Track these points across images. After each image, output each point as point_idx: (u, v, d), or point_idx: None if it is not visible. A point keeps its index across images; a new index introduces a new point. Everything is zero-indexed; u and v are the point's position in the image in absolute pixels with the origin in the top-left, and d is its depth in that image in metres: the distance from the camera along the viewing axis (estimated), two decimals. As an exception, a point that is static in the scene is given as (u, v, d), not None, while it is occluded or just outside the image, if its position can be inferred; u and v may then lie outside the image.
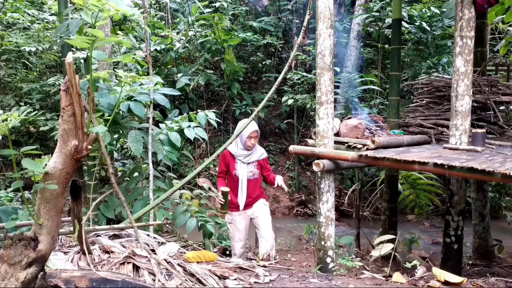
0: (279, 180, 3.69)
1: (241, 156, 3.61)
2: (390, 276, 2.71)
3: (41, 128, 7.23)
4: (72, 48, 4.33)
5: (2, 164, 7.47)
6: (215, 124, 4.05)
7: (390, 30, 6.80)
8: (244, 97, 9.42)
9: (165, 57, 8.70)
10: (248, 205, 3.68)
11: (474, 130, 3.71)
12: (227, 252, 3.71)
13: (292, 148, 4.01)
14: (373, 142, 3.56)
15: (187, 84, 8.27)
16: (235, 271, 2.44)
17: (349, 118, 4.24)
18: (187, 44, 9.22)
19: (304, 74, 8.52)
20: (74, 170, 1.56)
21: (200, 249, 3.22)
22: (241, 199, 3.65)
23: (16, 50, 8.09)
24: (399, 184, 5.48)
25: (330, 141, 3.63)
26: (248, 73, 10.10)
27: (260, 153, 3.72)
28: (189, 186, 4.82)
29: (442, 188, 5.69)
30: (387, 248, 3.10)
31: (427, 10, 8.19)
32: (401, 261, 3.83)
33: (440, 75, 5.91)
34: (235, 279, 2.32)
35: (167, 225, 3.57)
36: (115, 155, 4.45)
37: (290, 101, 8.24)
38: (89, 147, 1.54)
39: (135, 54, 4.21)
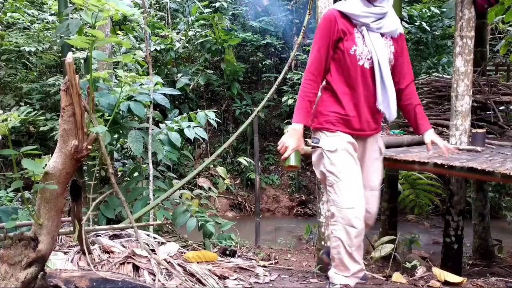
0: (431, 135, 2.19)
1: (367, 17, 2.00)
2: (390, 276, 2.72)
3: (41, 128, 7.22)
4: (72, 48, 4.34)
5: (2, 164, 7.46)
6: (215, 124, 4.05)
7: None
8: (244, 97, 9.42)
9: (165, 57, 8.70)
10: (369, 126, 2.13)
11: (474, 130, 3.71)
12: (227, 252, 3.71)
13: (292, 148, 4.00)
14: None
15: (187, 84, 8.27)
16: (235, 271, 2.45)
17: None
18: (187, 44, 9.21)
19: (304, 74, 8.52)
20: (74, 170, 1.56)
21: (200, 249, 3.22)
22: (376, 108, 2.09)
23: (16, 50, 8.08)
24: (399, 184, 5.48)
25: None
26: (248, 73, 10.10)
27: (395, 20, 2.13)
28: (189, 186, 4.82)
29: (442, 188, 5.69)
30: (387, 248, 3.10)
31: (427, 10, 8.19)
32: (401, 261, 3.83)
33: (440, 75, 5.91)
34: (235, 279, 2.33)
35: (167, 225, 3.57)
36: (115, 155, 4.44)
37: (290, 101, 8.24)
38: (89, 147, 1.54)
39: (135, 54, 4.20)
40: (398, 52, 2.13)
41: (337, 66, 2.08)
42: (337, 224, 2.06)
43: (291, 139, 2.05)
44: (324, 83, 2.17)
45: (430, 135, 2.21)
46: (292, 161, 2.04)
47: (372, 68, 2.03)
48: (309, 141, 2.51)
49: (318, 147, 2.13)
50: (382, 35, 2.07)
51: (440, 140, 2.21)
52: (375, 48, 2.01)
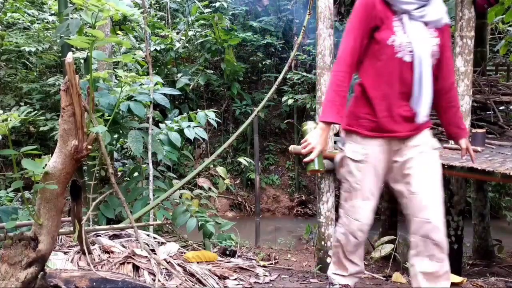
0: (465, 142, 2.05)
1: (410, 3, 1.77)
2: (390, 276, 2.72)
3: (41, 128, 7.22)
4: (72, 48, 4.34)
5: (2, 164, 7.47)
6: (215, 124, 4.05)
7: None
8: (244, 97, 9.42)
9: (165, 57, 8.70)
10: (407, 127, 1.87)
11: (474, 130, 3.71)
12: (227, 252, 3.71)
13: (292, 148, 4.00)
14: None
15: (187, 84, 8.27)
16: (235, 271, 2.45)
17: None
18: (187, 44, 9.21)
19: (304, 74, 8.52)
20: (74, 170, 1.56)
21: (200, 249, 3.22)
22: (405, 108, 1.85)
23: (16, 50, 8.08)
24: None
25: (330, 141, 3.63)
26: (248, 73, 10.10)
27: (440, 8, 1.88)
28: (189, 186, 4.82)
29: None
30: (387, 248, 3.10)
31: (427, 10, 8.17)
32: (401, 261, 3.83)
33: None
34: (235, 279, 2.33)
35: (167, 225, 3.57)
36: (115, 155, 4.44)
37: (290, 101, 8.24)
38: (89, 147, 1.54)
39: (135, 54, 4.20)
40: (443, 46, 1.87)
41: (371, 59, 1.85)
42: (341, 227, 2.04)
43: (318, 139, 1.82)
44: (358, 79, 1.97)
45: (466, 141, 2.06)
46: (317, 165, 1.88)
47: (413, 62, 1.77)
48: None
49: (342, 150, 1.99)
50: (426, 24, 1.81)
51: (471, 147, 2.11)
52: (417, 39, 1.75)
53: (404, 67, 1.79)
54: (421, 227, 1.82)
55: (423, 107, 1.82)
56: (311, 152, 1.82)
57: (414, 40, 1.75)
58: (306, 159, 1.84)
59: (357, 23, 1.81)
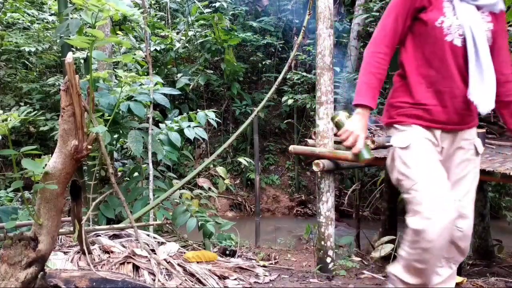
0: None
1: None
2: (390, 276, 2.71)
3: (41, 128, 7.22)
4: (72, 48, 4.33)
5: (2, 164, 7.47)
6: (215, 124, 4.05)
7: (390, 30, 6.78)
8: (244, 97, 9.42)
9: (165, 57, 8.70)
10: (461, 120, 1.73)
11: (474, 130, 3.72)
12: (227, 252, 3.71)
13: (292, 148, 4.01)
14: (373, 142, 3.56)
15: (187, 84, 8.28)
16: (235, 271, 2.45)
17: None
18: (187, 44, 9.22)
19: (304, 74, 8.52)
20: (74, 170, 1.56)
21: (200, 249, 3.22)
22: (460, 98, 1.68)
23: (16, 50, 8.08)
24: (399, 184, 5.47)
25: (330, 141, 3.63)
26: (248, 73, 10.10)
27: None
28: (189, 186, 4.82)
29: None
30: (387, 248, 3.10)
31: (427, 10, 8.16)
32: (401, 261, 3.83)
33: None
34: (235, 279, 2.33)
35: (167, 225, 3.57)
36: (115, 155, 4.44)
37: (290, 101, 8.24)
38: (89, 147, 1.54)
39: (135, 54, 4.20)
40: (496, 33, 1.70)
41: (416, 42, 1.71)
42: (416, 231, 1.59)
43: (358, 126, 1.66)
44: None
45: None
46: (367, 155, 1.69)
47: (465, 47, 1.63)
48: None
49: (390, 146, 1.76)
50: (479, 8, 1.67)
51: None
52: (468, 22, 1.62)
53: (456, 52, 1.65)
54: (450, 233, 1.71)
55: (484, 97, 1.64)
56: (355, 142, 1.65)
57: (464, 22, 1.62)
58: (354, 150, 1.68)
59: (401, 1, 1.69)
